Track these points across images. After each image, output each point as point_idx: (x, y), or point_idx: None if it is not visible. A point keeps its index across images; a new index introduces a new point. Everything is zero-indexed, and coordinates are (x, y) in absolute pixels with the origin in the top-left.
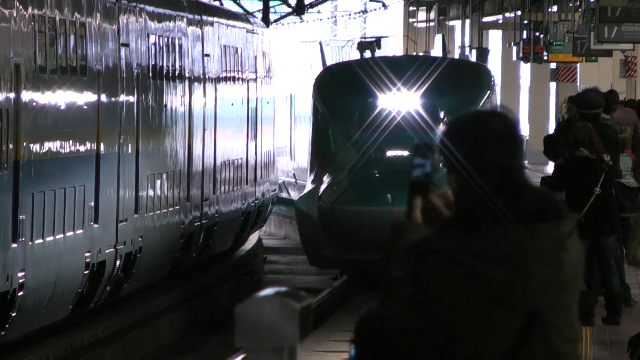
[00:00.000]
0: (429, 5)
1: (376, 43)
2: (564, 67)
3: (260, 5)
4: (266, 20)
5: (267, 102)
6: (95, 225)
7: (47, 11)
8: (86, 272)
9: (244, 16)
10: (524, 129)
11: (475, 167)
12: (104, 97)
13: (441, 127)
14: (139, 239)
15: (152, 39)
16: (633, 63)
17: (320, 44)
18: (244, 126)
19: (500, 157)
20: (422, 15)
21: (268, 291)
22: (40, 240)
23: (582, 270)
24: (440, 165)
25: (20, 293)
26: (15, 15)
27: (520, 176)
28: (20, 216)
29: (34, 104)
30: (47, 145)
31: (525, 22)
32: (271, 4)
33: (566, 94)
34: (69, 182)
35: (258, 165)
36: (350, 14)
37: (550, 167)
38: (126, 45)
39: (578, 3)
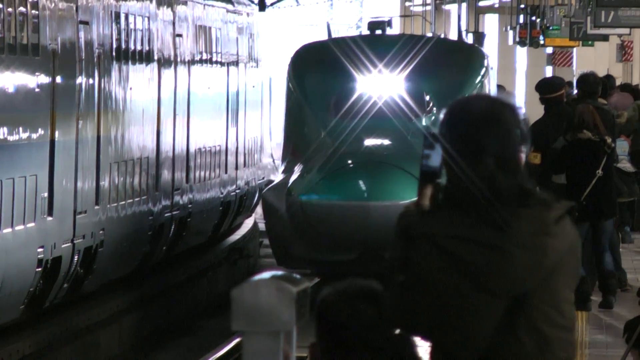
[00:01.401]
0: None
1: (388, 23)
2: (561, 52)
3: None
4: (262, 3)
5: (253, 86)
6: (49, 218)
7: None
8: (39, 269)
9: None
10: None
11: (459, 151)
12: (59, 79)
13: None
14: (100, 232)
15: (116, 16)
16: (629, 47)
17: (328, 25)
18: (223, 111)
19: (486, 141)
20: None
21: (264, 275)
22: None
23: (576, 257)
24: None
25: None
26: None
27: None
28: None
29: None
30: None
31: (522, 6)
32: None
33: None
34: (17, 171)
35: (240, 152)
36: None
37: None
38: (86, 23)
39: None
